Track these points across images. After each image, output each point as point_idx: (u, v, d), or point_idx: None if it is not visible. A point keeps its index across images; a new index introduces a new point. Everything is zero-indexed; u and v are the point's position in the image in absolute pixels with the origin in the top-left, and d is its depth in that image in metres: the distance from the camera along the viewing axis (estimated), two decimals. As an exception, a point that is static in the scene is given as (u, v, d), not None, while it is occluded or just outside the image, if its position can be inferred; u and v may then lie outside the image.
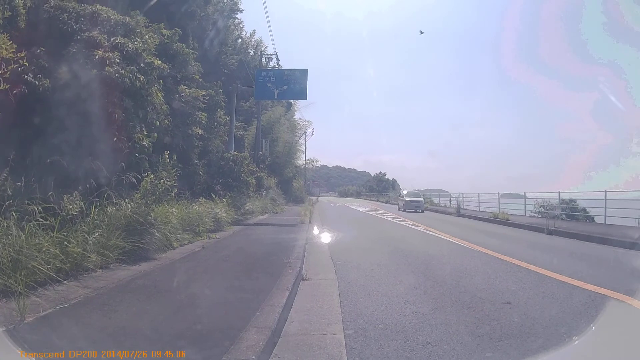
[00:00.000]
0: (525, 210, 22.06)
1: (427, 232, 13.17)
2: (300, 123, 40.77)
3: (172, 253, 6.65)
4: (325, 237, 11.21)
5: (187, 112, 11.17)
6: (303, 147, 44.86)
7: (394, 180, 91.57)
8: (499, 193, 25.37)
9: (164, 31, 9.97)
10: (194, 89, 11.50)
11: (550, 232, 13.17)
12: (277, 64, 27.10)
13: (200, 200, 10.86)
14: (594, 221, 17.78)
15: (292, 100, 35.26)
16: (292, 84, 21.56)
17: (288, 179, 33.38)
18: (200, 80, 12.52)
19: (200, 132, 12.11)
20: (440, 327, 3.87)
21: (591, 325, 3.76)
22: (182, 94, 10.89)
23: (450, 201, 31.97)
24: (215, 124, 14.16)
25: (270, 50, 30.19)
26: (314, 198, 50.51)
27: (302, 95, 22.88)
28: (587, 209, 19.52)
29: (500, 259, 7.95)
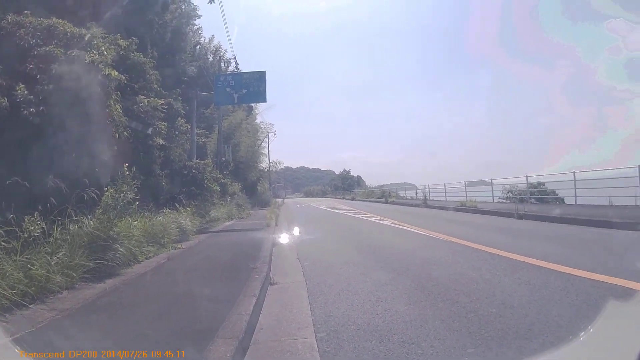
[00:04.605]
0: (493, 196, 22.55)
1: (394, 226, 13.23)
2: (262, 126, 40.80)
3: (138, 267, 6.61)
4: (292, 239, 11.30)
5: (146, 122, 11.04)
6: (266, 151, 44.93)
7: (359, 177, 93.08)
8: (465, 182, 25.97)
9: (121, 42, 9.84)
10: (152, 98, 11.37)
11: (520, 217, 13.30)
12: (236, 67, 26.99)
13: (164, 211, 10.76)
14: (564, 203, 18.15)
15: (252, 104, 35.17)
16: (252, 87, 21.52)
17: (252, 183, 33.30)
18: (159, 89, 12.40)
19: (161, 142, 11.98)
20: (415, 324, 3.76)
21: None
22: (140, 104, 10.76)
23: (416, 193, 32.50)
24: (177, 132, 14.06)
25: (229, 55, 30.13)
26: (279, 200, 50.48)
27: (262, 97, 22.86)
28: (557, 191, 19.80)
29: (471, 247, 7.90)
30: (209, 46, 30.64)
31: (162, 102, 11.53)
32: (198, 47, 27.78)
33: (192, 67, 23.01)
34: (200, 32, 28.46)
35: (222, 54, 30.14)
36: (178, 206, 12.07)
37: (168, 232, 9.20)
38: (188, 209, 12.37)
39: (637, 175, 13.62)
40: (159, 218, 9.72)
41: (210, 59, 29.52)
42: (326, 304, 4.63)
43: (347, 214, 21.61)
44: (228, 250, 8.71)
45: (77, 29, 8.09)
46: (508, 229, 11.22)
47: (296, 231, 13.36)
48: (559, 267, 5.71)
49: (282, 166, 64.14)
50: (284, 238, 11.10)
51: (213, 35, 45.64)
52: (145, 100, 10.94)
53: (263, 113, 51.67)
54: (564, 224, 11.29)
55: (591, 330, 2.43)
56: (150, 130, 11.15)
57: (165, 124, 11.98)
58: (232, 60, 27.44)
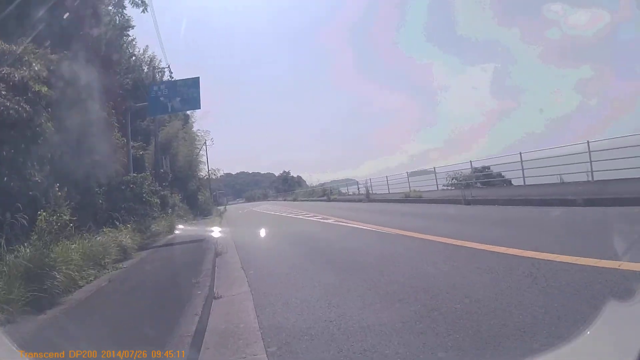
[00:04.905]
0: (437, 185, 22.40)
1: (339, 223, 12.99)
2: (199, 134, 40.01)
3: (79, 293, 6.35)
4: (235, 247, 10.99)
5: (80, 139, 10.63)
6: (205, 159, 44.13)
7: (299, 177, 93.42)
8: (407, 172, 25.50)
9: (51, 57, 9.42)
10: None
11: (468, 202, 13.20)
12: (171, 76, 26.41)
13: (104, 229, 10.39)
14: (511, 184, 18.35)
15: (188, 113, 34.52)
16: (185, 95, 21.01)
17: (193, 193, 32.64)
18: (93, 103, 11.94)
19: (97, 157, 11.56)
20: (374, 329, 3.47)
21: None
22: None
23: (358, 188, 32.75)
24: (114, 147, 13.58)
25: (164, 64, 29.38)
26: (221, 208, 49.54)
27: (196, 104, 22.41)
28: (503, 174, 19.81)
29: (423, 239, 7.59)
30: (144, 57, 29.77)
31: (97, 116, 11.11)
32: (133, 58, 26.92)
33: (128, 80, 22.32)
34: (134, 43, 27.59)
35: (156, 63, 29.40)
36: (118, 223, 11.68)
37: (108, 253, 8.87)
38: (128, 225, 12.00)
39: (587, 150, 13.51)
40: (98, 238, 9.38)
41: (145, 70, 28.64)
42: (274, 314, 4.40)
43: (290, 215, 21.53)
44: (169, 265, 8.56)
45: (7, 45, 7.71)
46: (458, 216, 11.06)
47: (239, 238, 13.11)
48: (520, 251, 5.45)
49: (221, 173, 63.22)
50: (226, 247, 10.73)
51: (147, 46, 44.31)
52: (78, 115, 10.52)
53: (200, 121, 50.76)
54: (516, 205, 11.08)
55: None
56: (85, 146, 10.73)
57: (97, 138, 11.52)
58: (166, 69, 26.84)
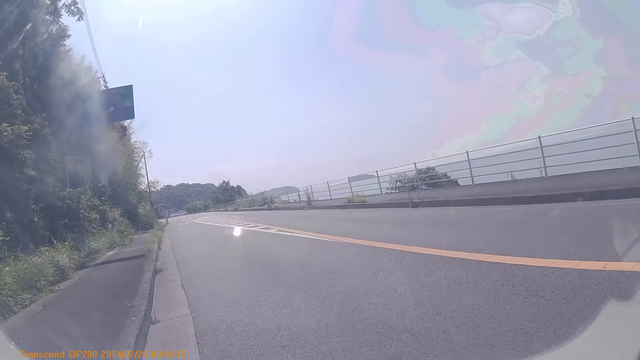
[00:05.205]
0: (380, 188, 22.08)
1: (282, 233, 12.59)
2: (137, 146, 38.69)
3: (13, 320, 6.01)
4: (175, 262, 10.66)
5: (11, 152, 10.08)
6: (144, 171, 42.84)
7: (239, 187, 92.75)
8: (348, 177, 25.24)
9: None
10: (17, 125, 10.39)
11: (415, 205, 12.78)
12: (105, 86, 25.43)
13: (40, 249, 9.86)
14: (458, 185, 17.98)
15: (125, 124, 33.34)
16: (119, 104, 20.53)
17: (133, 206, 31.42)
18: (23, 115, 11.34)
19: (32, 173, 10.98)
20: (337, 355, 3.06)
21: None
22: (4, 134, 9.80)
23: (299, 196, 32.50)
24: (49, 161, 12.92)
25: (101, 74, 28.17)
26: (163, 221, 48.33)
27: (130, 114, 21.97)
28: (449, 174, 19.39)
29: (374, 246, 7.16)
30: (81, 67, 28.37)
31: (26, 128, 10.52)
32: (71, 70, 25.67)
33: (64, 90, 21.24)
34: (71, 53, 26.30)
35: (93, 74, 28.17)
36: (55, 241, 11.14)
37: (44, 274, 8.45)
38: (66, 243, 11.46)
39: (539, 145, 13.33)
40: (34, 258, 8.91)
41: (83, 81, 27.24)
42: (217, 342, 3.96)
43: (231, 226, 21.02)
44: (106, 286, 8.10)
45: None
46: (407, 220, 10.57)
47: (179, 252, 12.88)
48: (486, 256, 5.02)
49: (162, 185, 61.61)
50: (166, 262, 10.35)
51: (84, 56, 42.25)
52: (9, 129, 9.97)
53: (137, 132, 49.04)
54: (467, 206, 10.67)
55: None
56: (16, 162, 10.17)
57: (30, 152, 10.93)
58: (100, 79, 25.81)
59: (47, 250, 10.13)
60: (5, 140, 9.77)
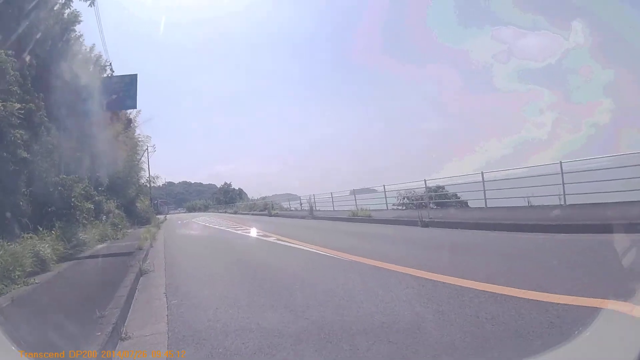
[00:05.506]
0: (386, 204, 21.00)
1: (282, 243, 11.70)
2: (141, 140, 38.08)
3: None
4: (165, 264, 9.76)
5: (2, 130, 9.43)
6: (146, 166, 42.36)
7: (240, 190, 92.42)
8: (353, 189, 24.40)
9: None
10: (10, 102, 9.74)
11: (425, 224, 11.98)
12: (111, 74, 24.88)
13: (24, 236, 9.25)
14: (468, 206, 16.92)
15: (131, 117, 32.83)
16: (122, 92, 19.99)
17: (131, 200, 30.84)
18: (19, 92, 10.69)
19: (25, 155, 10.31)
20: None
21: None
22: (-4, 110, 9.16)
23: (301, 204, 31.74)
24: (45, 145, 12.27)
25: (108, 62, 27.64)
26: (161, 217, 47.90)
27: (132, 103, 21.46)
28: (459, 195, 18.28)
29: (385, 268, 6.38)
30: (90, 56, 27.90)
31: (19, 106, 9.84)
32: (79, 56, 25.19)
33: (69, 75, 20.68)
34: (82, 40, 25.79)
35: (103, 63, 27.63)
36: (41, 229, 10.45)
37: (21, 264, 7.75)
38: (52, 232, 10.76)
39: (560, 171, 12.38)
40: (12, 246, 8.22)
41: (91, 69, 26.81)
42: None
43: (229, 229, 20.34)
44: (84, 285, 7.33)
45: None
46: (419, 240, 9.68)
47: (171, 253, 12.08)
48: (521, 292, 4.32)
49: (163, 181, 61.19)
50: (155, 263, 9.48)
51: (94, 44, 41.89)
52: (1, 105, 9.31)
53: (142, 126, 48.61)
54: (482, 230, 9.75)
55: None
56: (6, 141, 9.52)
57: (22, 132, 10.23)
58: (107, 67, 25.25)
59: (30, 237, 9.47)
60: (-4, 116, 9.12)
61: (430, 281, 5.30)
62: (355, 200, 22.87)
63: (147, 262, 9.53)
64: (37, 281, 7.53)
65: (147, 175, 45.39)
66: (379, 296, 4.84)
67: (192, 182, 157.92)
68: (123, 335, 4.38)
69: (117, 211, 21.80)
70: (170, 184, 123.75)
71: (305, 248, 9.93)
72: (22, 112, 9.95)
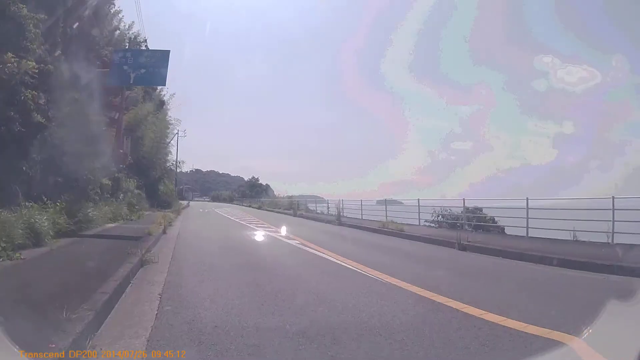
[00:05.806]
0: (419, 219, 19.51)
1: (311, 250, 10.25)
2: (172, 122, 37.71)
3: None
4: (172, 257, 8.61)
5: (13, 90, 8.72)
6: (174, 149, 42.28)
7: (267, 186, 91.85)
8: (385, 199, 23.71)
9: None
10: (27, 60, 9.00)
11: (463, 247, 11.02)
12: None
13: (26, 204, 8.73)
14: (504, 232, 15.74)
15: (165, 99, 32.48)
16: (152, 67, 19.21)
17: (154, 181, 30.46)
18: (38, 52, 9.96)
19: (39, 119, 9.61)
20: None
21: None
22: (7, 65, 8.42)
23: (327, 208, 30.85)
24: (63, 110, 11.58)
25: (149, 43, 27.27)
26: (184, 203, 47.90)
27: (162, 80, 20.81)
28: (496, 219, 16.93)
29: (434, 301, 5.13)
30: (128, 33, 27.64)
31: (34, 64, 9.08)
32: (117, 32, 24.86)
33: (107, 52, 20.17)
34: (121, 16, 25.46)
35: (140, 41, 27.26)
36: (45, 199, 9.74)
37: (10, 236, 6.94)
38: (57, 204, 10.01)
39: (612, 207, 11.36)
40: (5, 214, 7.51)
41: (127, 47, 26.57)
42: None
43: (251, 225, 19.37)
44: (72, 270, 6.12)
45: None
46: (463, 267, 8.56)
47: (182, 244, 10.99)
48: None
49: (191, 168, 61.43)
50: (160, 254, 8.30)
51: (133, 22, 41.83)
52: (14, 60, 8.56)
53: (174, 109, 48.57)
54: (527, 262, 8.81)
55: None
56: (15, 100, 8.80)
57: (35, 92, 9.44)
58: (142, 44, 24.79)
59: (31, 207, 8.74)
60: (7, 72, 8.36)
61: (487, 323, 4.15)
62: (386, 211, 21.61)
63: (152, 251, 8.60)
64: (22, 257, 6.65)
65: (176, 159, 45.30)
66: (425, 337, 3.75)
67: (221, 172, 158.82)
68: (89, 347, 3.27)
69: (136, 191, 21.24)
70: (198, 171, 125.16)
71: (332, 259, 8.74)
72: (36, 71, 9.18)
